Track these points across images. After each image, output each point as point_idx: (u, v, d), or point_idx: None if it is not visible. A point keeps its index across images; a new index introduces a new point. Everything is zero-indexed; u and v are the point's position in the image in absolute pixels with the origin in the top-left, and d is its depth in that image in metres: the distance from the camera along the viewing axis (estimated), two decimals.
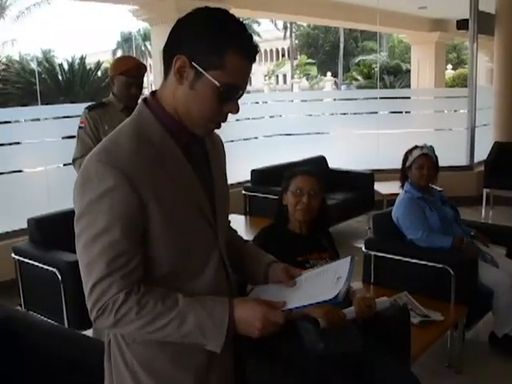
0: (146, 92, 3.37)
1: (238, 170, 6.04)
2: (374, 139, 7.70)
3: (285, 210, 2.50)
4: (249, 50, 1.21)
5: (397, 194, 3.67)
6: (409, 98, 9.97)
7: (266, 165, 6.01)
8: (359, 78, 29.68)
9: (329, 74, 34.51)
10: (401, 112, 8.75)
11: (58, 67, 18.70)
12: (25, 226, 3.76)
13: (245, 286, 1.63)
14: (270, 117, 8.07)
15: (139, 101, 1.31)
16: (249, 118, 7.30)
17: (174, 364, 1.27)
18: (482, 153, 7.32)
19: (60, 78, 18.36)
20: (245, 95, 1.30)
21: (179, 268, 1.26)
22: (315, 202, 2.44)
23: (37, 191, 5.64)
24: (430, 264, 3.21)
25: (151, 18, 7.59)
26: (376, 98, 8.34)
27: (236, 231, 1.61)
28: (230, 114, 1.26)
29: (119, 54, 31.97)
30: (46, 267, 3.29)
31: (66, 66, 18.79)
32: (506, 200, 6.82)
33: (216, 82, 1.18)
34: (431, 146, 3.50)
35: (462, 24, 7.42)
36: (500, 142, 6.97)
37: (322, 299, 1.21)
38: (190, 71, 1.19)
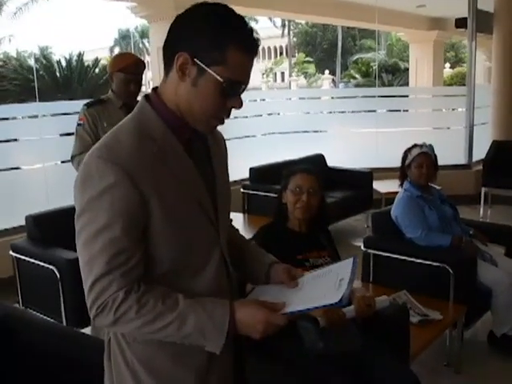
0: (145, 89, 3.38)
1: (236, 168, 6.03)
2: (372, 137, 7.70)
3: (284, 208, 2.49)
4: (250, 45, 1.20)
5: (395, 193, 3.66)
6: (407, 96, 9.97)
7: (264, 163, 6.00)
8: (357, 76, 29.65)
9: (327, 72, 34.50)
10: (399, 110, 8.75)
11: (55, 64, 18.66)
12: (23, 223, 3.75)
13: (244, 285, 1.63)
14: (268, 114, 8.06)
15: (140, 97, 1.30)
16: (247, 116, 7.29)
17: (175, 363, 1.27)
18: (480, 151, 7.33)
19: (58, 74, 18.31)
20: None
21: (180, 265, 1.25)
22: (314, 200, 2.44)
23: (35, 188, 5.63)
24: (428, 263, 3.21)
25: (149, 15, 7.56)
26: (374, 97, 8.33)
27: (238, 230, 1.60)
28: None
29: (117, 51, 31.85)
30: (44, 265, 3.28)
31: (63, 63, 18.74)
32: (505, 199, 6.82)
33: (219, 78, 1.17)
34: (430, 145, 3.50)
35: (460, 22, 7.41)
36: (498, 140, 6.97)
37: (326, 303, 1.20)
38: (193, 68, 1.18)
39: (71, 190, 1.20)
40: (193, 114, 1.23)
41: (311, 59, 37.99)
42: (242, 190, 5.69)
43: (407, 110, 9.17)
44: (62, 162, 5.50)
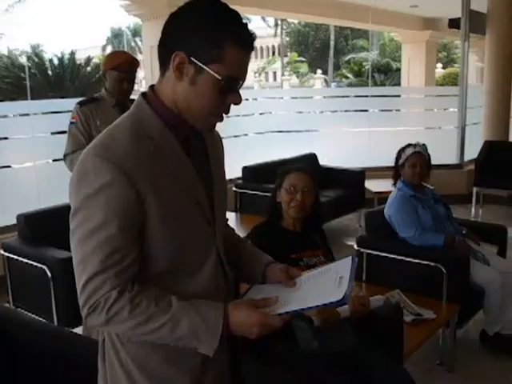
0: (137, 88, 3.36)
1: (229, 167, 5.98)
2: (365, 137, 7.71)
3: (278, 207, 2.48)
4: (247, 40, 1.19)
5: (388, 192, 3.67)
6: (399, 96, 10.00)
7: (257, 162, 5.99)
8: (349, 75, 29.72)
9: (319, 71, 34.56)
10: (391, 110, 8.78)
11: (47, 62, 18.55)
12: (14, 222, 3.72)
13: (239, 284, 1.62)
14: (260, 114, 8.06)
15: (137, 95, 1.29)
16: (239, 115, 7.28)
17: (169, 363, 1.26)
18: (471, 151, 7.37)
19: (50, 73, 18.21)
20: None
21: (177, 265, 1.24)
22: (309, 199, 2.43)
23: (26, 187, 5.59)
24: (422, 262, 3.21)
25: (143, 14, 7.53)
26: (367, 96, 8.35)
27: (233, 229, 1.60)
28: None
29: (109, 49, 31.77)
30: (35, 264, 3.25)
31: (55, 61, 18.64)
32: (496, 198, 6.86)
33: (217, 76, 1.16)
34: (424, 145, 3.50)
35: (453, 23, 7.44)
36: (490, 140, 7.01)
37: (328, 301, 1.19)
38: (190, 67, 1.17)
39: (63, 188, 1.19)
40: (192, 112, 1.22)
41: (304, 59, 38.04)
42: (234, 188, 5.68)
43: (399, 110, 9.20)
44: (54, 160, 5.48)
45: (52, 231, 3.43)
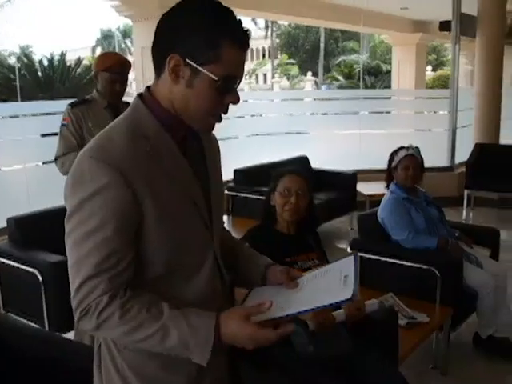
0: (128, 89, 3.33)
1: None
2: (355, 139, 7.72)
3: (272, 210, 2.47)
4: (242, 38, 1.18)
5: (379, 195, 3.66)
6: (390, 98, 10.04)
7: (247, 164, 5.97)
8: (340, 78, 29.82)
9: (309, 73, 34.64)
10: (382, 112, 8.80)
11: (37, 63, 18.44)
12: (4, 225, 3.67)
13: (232, 289, 1.60)
14: (251, 116, 8.05)
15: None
16: (229, 118, 7.25)
17: (166, 370, 1.24)
18: (461, 154, 7.42)
19: (40, 74, 18.10)
20: None
21: (173, 267, 1.22)
22: (303, 202, 2.42)
23: (16, 190, 5.55)
24: (415, 265, 3.20)
25: (133, 14, 7.51)
26: (359, 98, 8.36)
27: (230, 232, 1.58)
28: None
29: (99, 51, 31.62)
30: (26, 268, 3.20)
31: (45, 62, 18.52)
32: (487, 201, 6.89)
33: (214, 77, 1.15)
34: (417, 147, 3.50)
35: (444, 25, 7.47)
36: (481, 143, 7.04)
37: (336, 300, 1.17)
38: (186, 69, 1.15)
39: (53, 191, 1.18)
40: (189, 113, 1.20)
41: (294, 61, 38.11)
42: (226, 191, 5.66)
43: (390, 112, 9.23)
44: (44, 163, 5.43)
45: (43, 235, 3.40)
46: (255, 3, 9.59)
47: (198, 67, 1.14)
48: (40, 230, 3.42)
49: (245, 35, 1.18)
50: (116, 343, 1.24)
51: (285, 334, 1.14)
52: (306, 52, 38.14)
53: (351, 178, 6.10)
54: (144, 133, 1.18)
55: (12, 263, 3.33)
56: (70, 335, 2.99)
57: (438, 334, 3.13)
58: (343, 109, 8.45)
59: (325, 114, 8.57)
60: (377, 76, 27.65)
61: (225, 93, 1.18)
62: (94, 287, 1.12)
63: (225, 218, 5.13)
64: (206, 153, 1.35)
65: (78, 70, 18.73)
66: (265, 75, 42.36)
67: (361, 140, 7.67)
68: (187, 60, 1.14)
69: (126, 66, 3.16)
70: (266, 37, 39.86)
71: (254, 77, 41.24)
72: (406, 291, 3.13)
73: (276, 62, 39.88)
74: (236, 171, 5.82)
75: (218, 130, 1.31)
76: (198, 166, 1.29)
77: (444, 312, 3.05)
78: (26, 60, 18.66)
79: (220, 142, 1.47)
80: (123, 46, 32.12)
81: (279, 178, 2.46)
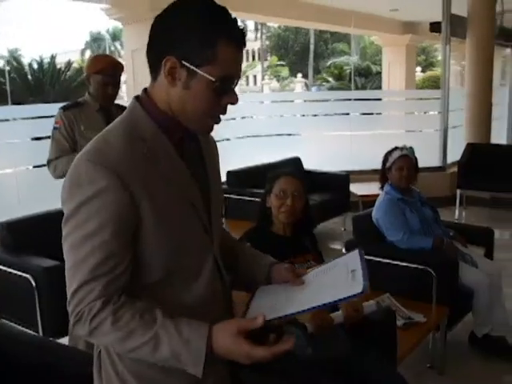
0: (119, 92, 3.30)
1: None
2: (346, 140, 7.73)
3: (268, 212, 2.46)
4: (238, 37, 1.16)
5: (372, 195, 3.66)
6: (380, 99, 10.05)
7: (240, 166, 5.96)
8: (330, 79, 29.88)
9: (299, 75, 34.68)
10: (372, 113, 8.81)
11: (27, 66, 18.33)
12: None
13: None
14: (242, 118, 8.03)
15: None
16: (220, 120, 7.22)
17: (167, 374, 1.21)
18: (452, 154, 7.45)
19: (30, 77, 18.00)
20: None
21: (172, 271, 1.21)
22: (299, 204, 2.42)
23: (6, 194, 5.48)
24: (411, 265, 3.20)
25: (123, 17, 7.46)
26: (350, 99, 8.37)
27: (228, 232, 1.57)
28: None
29: (88, 54, 31.51)
30: (19, 273, 3.16)
31: (35, 66, 18.41)
32: (479, 200, 6.92)
33: (211, 78, 1.13)
34: (411, 147, 3.51)
35: (435, 26, 7.50)
36: (473, 143, 7.07)
37: (347, 295, 1.15)
38: (182, 71, 1.14)
39: (44, 195, 1.16)
40: (187, 115, 1.19)
41: (284, 63, 38.16)
42: None
43: (380, 113, 9.24)
44: (34, 166, 5.38)
45: (35, 239, 3.37)
46: (245, 5, 9.57)
47: (194, 69, 1.13)
48: (32, 235, 3.39)
49: (241, 33, 1.16)
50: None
51: (280, 352, 1.08)
52: (296, 54, 38.19)
53: (344, 179, 6.10)
54: (141, 135, 1.17)
55: (4, 268, 3.29)
56: (65, 341, 2.96)
57: (434, 334, 3.13)
58: (334, 110, 8.45)
59: (315, 115, 8.55)
60: (367, 77, 27.73)
61: (222, 93, 1.17)
62: (89, 292, 1.11)
63: None
64: (205, 154, 1.33)
65: (69, 73, 18.62)
66: (255, 77, 42.38)
67: (351, 141, 7.68)
68: (183, 62, 1.13)
69: (118, 68, 3.13)
70: (255, 39, 39.88)
71: (244, 79, 41.24)
72: (401, 292, 3.12)
73: (266, 63, 39.91)
74: (229, 173, 5.81)
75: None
76: (196, 167, 1.28)
77: (440, 312, 3.05)
78: (15, 63, 18.54)
79: None
80: (112, 48, 32.02)
81: (275, 179, 2.45)
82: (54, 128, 3.12)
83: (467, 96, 7.51)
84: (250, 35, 39.78)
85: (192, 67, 1.13)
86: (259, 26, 37.85)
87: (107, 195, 1.09)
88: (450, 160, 7.54)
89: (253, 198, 4.79)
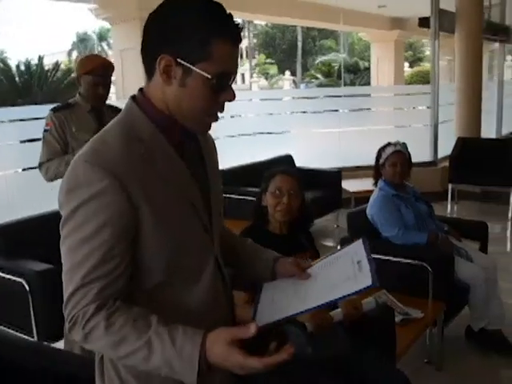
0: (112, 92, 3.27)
1: None
2: (336, 137, 7.73)
3: (264, 211, 2.44)
4: (234, 33, 1.14)
5: (364, 191, 3.65)
6: (369, 95, 10.07)
7: (231, 165, 5.92)
8: (319, 76, 29.89)
9: (287, 73, 34.66)
10: (361, 110, 8.82)
11: (14, 68, 18.16)
12: None
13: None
14: (231, 117, 8.01)
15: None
16: None
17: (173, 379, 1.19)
18: (441, 149, 7.47)
19: (17, 79, 17.84)
20: None
21: (173, 272, 1.19)
22: (295, 202, 2.40)
23: None
24: (406, 261, 3.20)
25: (111, 17, 7.42)
26: (340, 96, 8.38)
27: (229, 229, 1.55)
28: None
29: (75, 54, 31.31)
30: (12, 278, 3.12)
31: (22, 67, 18.24)
32: (469, 194, 6.95)
33: (206, 75, 1.11)
34: (404, 143, 3.51)
35: (423, 22, 7.52)
36: (463, 137, 7.09)
37: (359, 288, 1.13)
38: (178, 69, 1.12)
39: (34, 198, 1.14)
40: (184, 114, 1.17)
41: (272, 60, 38.12)
42: None
43: (370, 109, 9.25)
44: (24, 169, 5.34)
45: (28, 242, 3.33)
46: (231, 2, 9.53)
47: (189, 66, 1.11)
48: (24, 238, 3.34)
49: (235, 29, 1.15)
50: None
51: (273, 364, 1.03)
52: (284, 51, 38.15)
53: (336, 175, 6.09)
54: (138, 135, 1.15)
55: None
56: (59, 345, 2.92)
57: (431, 330, 3.13)
58: (323, 107, 8.45)
59: (304, 112, 8.55)
60: (356, 73, 27.76)
61: (219, 90, 1.15)
62: (84, 296, 1.09)
63: None
64: (204, 153, 1.32)
65: (57, 74, 18.46)
66: (243, 75, 42.32)
67: (340, 138, 7.68)
68: (178, 59, 1.11)
69: (108, 68, 3.10)
70: (243, 37, 39.84)
71: None
72: (398, 288, 3.11)
73: (254, 61, 39.86)
74: (221, 172, 5.77)
75: None
76: (196, 167, 1.26)
77: (437, 307, 3.05)
78: (2, 65, 18.36)
79: None
80: (99, 49, 31.82)
81: (270, 178, 2.43)
82: (45, 130, 3.08)
83: (457, 90, 7.54)
84: None
85: (187, 65, 1.11)
86: (246, 24, 37.81)
87: (105, 197, 1.08)
88: (440, 155, 7.56)
89: (244, 197, 4.78)
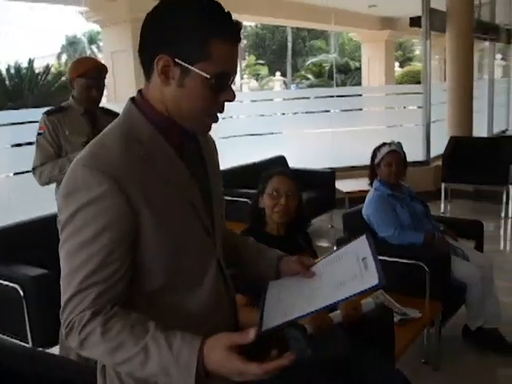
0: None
1: None
2: (328, 137, 7.73)
3: (262, 213, 2.43)
4: (233, 32, 1.12)
5: (358, 191, 3.65)
6: (361, 95, 10.08)
7: (225, 167, 5.91)
8: (310, 76, 29.91)
9: (278, 73, 34.66)
10: (353, 110, 8.83)
11: (4, 72, 18.04)
12: None
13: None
14: (222, 118, 7.98)
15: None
16: None
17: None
18: (433, 148, 7.49)
19: (7, 83, 17.73)
20: None
21: (174, 274, 1.17)
22: (293, 203, 2.39)
23: None
24: (403, 261, 3.19)
25: (102, 20, 7.38)
26: (332, 97, 8.38)
27: (231, 229, 1.53)
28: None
29: (64, 57, 31.14)
30: (6, 283, 3.09)
31: (12, 71, 18.12)
32: (462, 193, 6.97)
33: (205, 75, 1.10)
34: (399, 143, 3.51)
35: (414, 21, 7.54)
36: (456, 136, 7.12)
37: (366, 287, 1.11)
38: (176, 69, 1.10)
39: (26, 203, 1.12)
40: (183, 114, 1.16)
41: (262, 61, 38.12)
42: None
43: (361, 109, 9.26)
44: (15, 174, 5.29)
45: (21, 248, 3.29)
46: (221, 3, 9.54)
47: (188, 66, 1.09)
48: (18, 243, 3.31)
49: (234, 28, 1.13)
50: None
51: (273, 370, 1.02)
52: (274, 52, 38.16)
53: (329, 176, 6.09)
54: (137, 137, 1.14)
55: None
56: (54, 350, 2.90)
57: (428, 329, 3.12)
58: (314, 107, 8.45)
59: (296, 113, 8.54)
60: (346, 73, 27.79)
61: (219, 91, 1.14)
62: (81, 301, 1.07)
63: None
64: (204, 154, 1.30)
65: (48, 78, 18.36)
66: None
67: (333, 138, 7.68)
68: (176, 60, 1.09)
69: (102, 70, 3.08)
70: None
71: None
72: (395, 288, 3.09)
73: (244, 63, 39.85)
74: None
75: None
76: (197, 168, 1.25)
77: (434, 307, 3.05)
78: None
79: None
80: (89, 52, 31.70)
81: (268, 179, 2.42)
82: (38, 134, 3.05)
83: (449, 90, 7.57)
84: None
85: (185, 65, 1.09)
86: None
87: (104, 201, 1.06)
88: (432, 154, 7.58)
89: (238, 198, 4.76)
